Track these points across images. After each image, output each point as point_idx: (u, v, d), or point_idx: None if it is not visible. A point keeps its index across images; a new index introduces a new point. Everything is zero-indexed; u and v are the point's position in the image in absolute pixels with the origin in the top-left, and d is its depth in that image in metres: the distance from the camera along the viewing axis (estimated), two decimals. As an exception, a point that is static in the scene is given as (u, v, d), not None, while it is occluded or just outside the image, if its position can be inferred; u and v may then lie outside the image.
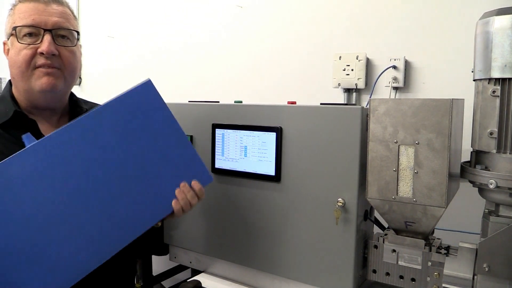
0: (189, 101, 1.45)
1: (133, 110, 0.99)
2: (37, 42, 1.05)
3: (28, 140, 0.93)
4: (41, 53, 1.05)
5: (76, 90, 2.86)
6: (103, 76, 2.57)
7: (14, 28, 1.07)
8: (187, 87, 2.23)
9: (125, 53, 2.48)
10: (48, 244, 0.91)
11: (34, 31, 1.06)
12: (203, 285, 1.33)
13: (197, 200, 1.06)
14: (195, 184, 1.05)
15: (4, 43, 1.14)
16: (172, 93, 2.25)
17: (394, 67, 1.60)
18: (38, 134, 1.07)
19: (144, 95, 1.00)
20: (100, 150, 0.96)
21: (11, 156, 0.88)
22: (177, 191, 1.03)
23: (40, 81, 1.06)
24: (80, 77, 2.70)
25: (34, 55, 1.05)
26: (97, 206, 0.96)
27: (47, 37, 1.05)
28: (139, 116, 1.00)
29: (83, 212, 0.94)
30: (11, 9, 1.10)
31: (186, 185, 1.04)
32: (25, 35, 1.06)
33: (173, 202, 1.03)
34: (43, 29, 1.05)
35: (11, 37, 1.09)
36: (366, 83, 1.69)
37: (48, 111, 1.15)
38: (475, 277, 0.99)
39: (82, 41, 2.92)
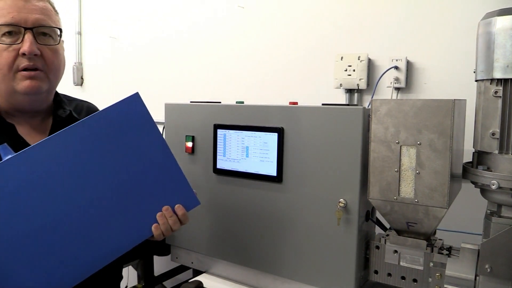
0: (191, 102, 1.45)
1: (117, 125, 0.91)
2: (17, 42, 0.98)
3: (4, 151, 0.87)
4: (23, 54, 0.97)
5: (78, 91, 2.86)
6: (105, 77, 2.57)
7: None
8: (189, 87, 2.23)
9: (127, 54, 2.48)
10: (23, 265, 0.85)
11: (14, 30, 0.97)
12: (204, 286, 1.33)
13: (179, 225, 1.00)
14: (179, 208, 0.99)
15: None
16: (174, 94, 2.27)
17: (396, 67, 1.59)
18: (16, 138, 1.02)
19: (131, 109, 0.92)
20: (79, 166, 0.88)
21: None
22: (158, 216, 0.97)
23: (23, 84, 0.99)
24: (82, 78, 2.70)
25: (16, 57, 0.98)
26: (73, 226, 0.89)
27: (28, 36, 0.98)
28: (123, 131, 0.92)
29: (60, 231, 0.88)
30: None
31: (169, 209, 0.98)
32: (4, 34, 0.97)
33: (153, 227, 0.97)
34: (23, 27, 0.98)
35: None
36: (368, 84, 1.68)
37: (30, 113, 1.08)
38: (477, 278, 0.99)
39: (85, 42, 2.91)
